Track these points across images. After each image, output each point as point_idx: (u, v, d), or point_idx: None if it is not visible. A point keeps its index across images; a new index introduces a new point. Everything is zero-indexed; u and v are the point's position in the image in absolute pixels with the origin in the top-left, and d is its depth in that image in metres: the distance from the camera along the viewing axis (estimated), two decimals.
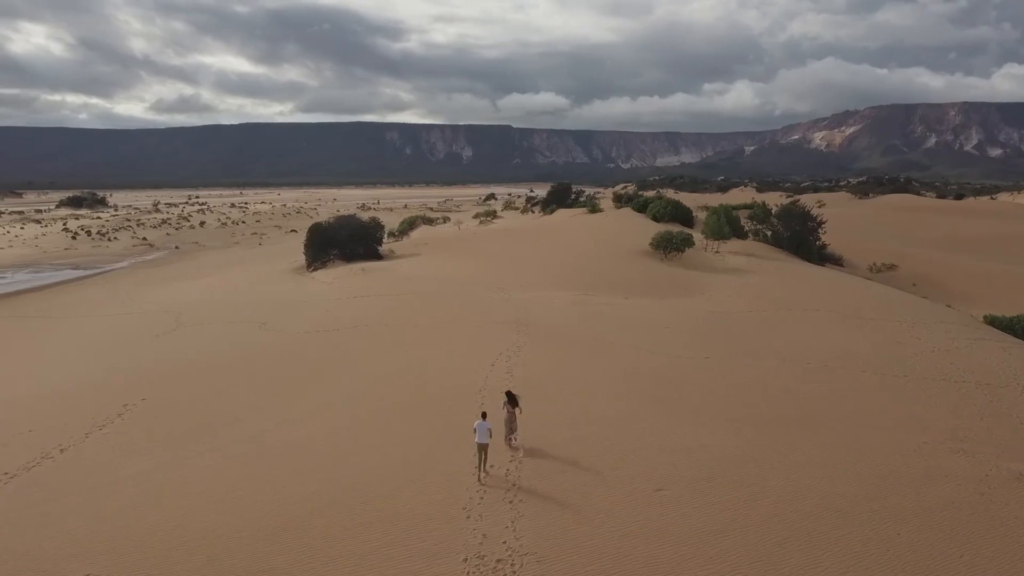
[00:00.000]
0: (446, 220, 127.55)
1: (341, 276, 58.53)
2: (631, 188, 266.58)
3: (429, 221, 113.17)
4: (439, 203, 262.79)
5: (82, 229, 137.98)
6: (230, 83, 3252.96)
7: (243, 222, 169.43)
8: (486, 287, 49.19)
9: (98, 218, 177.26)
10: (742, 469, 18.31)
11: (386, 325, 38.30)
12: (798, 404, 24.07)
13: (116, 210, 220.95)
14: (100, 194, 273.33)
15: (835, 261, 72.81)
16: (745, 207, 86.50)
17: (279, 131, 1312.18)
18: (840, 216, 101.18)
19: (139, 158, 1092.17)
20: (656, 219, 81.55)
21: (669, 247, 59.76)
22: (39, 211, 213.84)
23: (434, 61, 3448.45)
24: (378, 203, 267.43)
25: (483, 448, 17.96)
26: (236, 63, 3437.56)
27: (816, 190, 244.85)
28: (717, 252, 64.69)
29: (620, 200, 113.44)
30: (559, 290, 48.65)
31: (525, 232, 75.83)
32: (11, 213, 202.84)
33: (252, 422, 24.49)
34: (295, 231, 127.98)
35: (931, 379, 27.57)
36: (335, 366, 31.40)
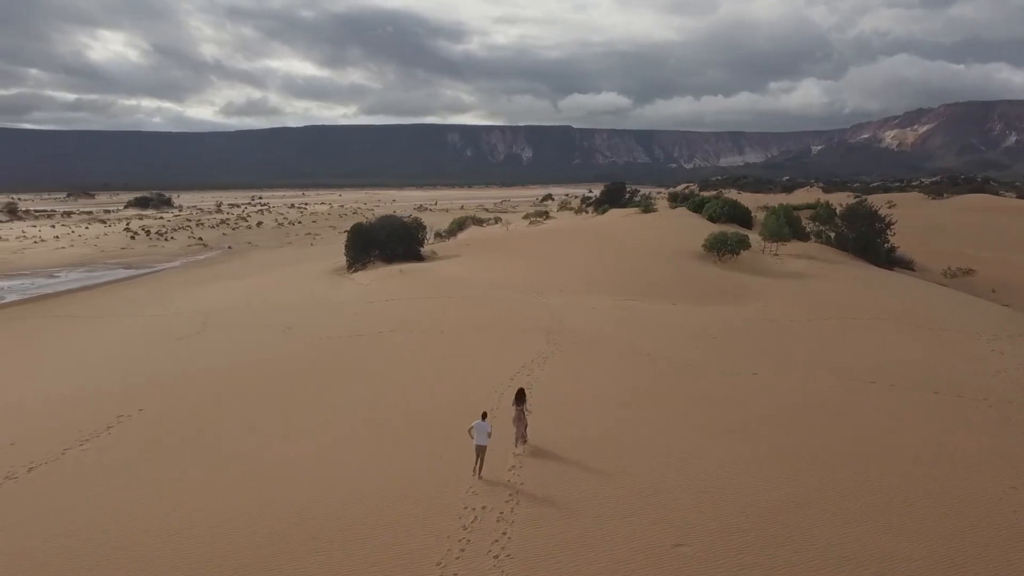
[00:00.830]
0: (497, 221, 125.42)
1: (379, 278, 56.65)
2: (693, 188, 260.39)
3: (479, 222, 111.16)
4: (495, 204, 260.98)
5: (143, 229, 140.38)
6: (296, 86, 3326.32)
7: (299, 222, 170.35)
8: (523, 290, 46.60)
9: (161, 218, 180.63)
10: (783, 519, 15.24)
11: (411, 331, 36.03)
12: (857, 433, 20.76)
13: (180, 211, 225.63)
14: (167, 195, 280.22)
15: (905, 265, 67.75)
16: (808, 207, 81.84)
17: (343, 133, 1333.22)
18: (912, 217, 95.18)
19: (209, 160, 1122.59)
20: (712, 219, 77.65)
21: (723, 249, 56.13)
22: (107, 211, 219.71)
23: (495, 62, 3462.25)
24: (436, 204, 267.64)
25: (481, 450, 17.46)
26: (302, 67, 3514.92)
27: (886, 190, 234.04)
28: (776, 255, 60.71)
29: (675, 199, 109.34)
30: (601, 295, 45.73)
31: (572, 233, 72.93)
32: (81, 213, 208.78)
33: (246, 438, 22.38)
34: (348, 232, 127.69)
35: (1018, 404, 23.83)
36: (350, 376, 29.20)
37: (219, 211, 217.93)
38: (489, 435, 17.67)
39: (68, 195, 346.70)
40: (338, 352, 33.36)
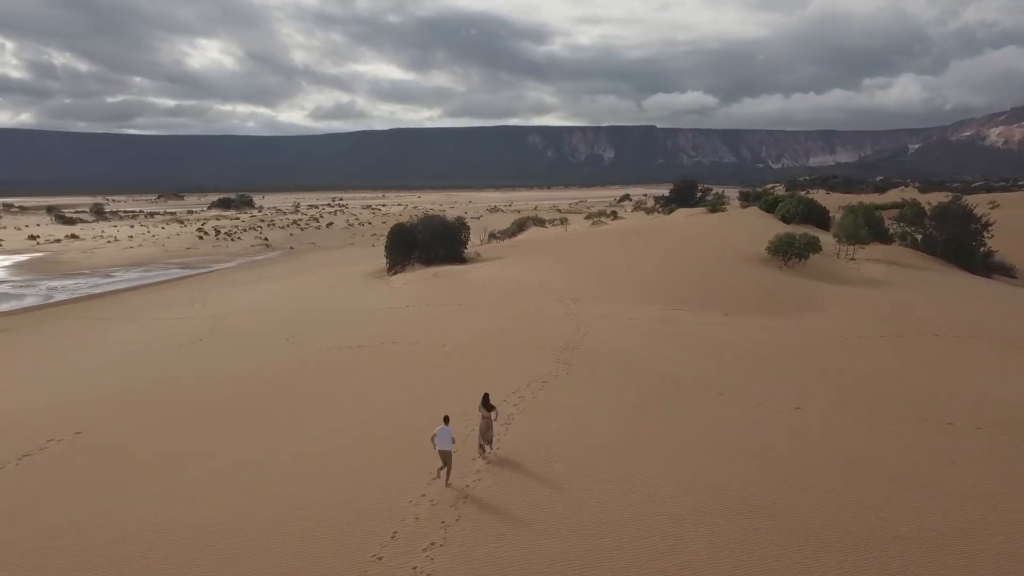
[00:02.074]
0: (563, 222, 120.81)
1: (411, 281, 53.18)
2: (778, 188, 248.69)
3: (541, 222, 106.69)
4: (570, 204, 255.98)
5: (215, 230, 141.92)
6: (382, 90, 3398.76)
7: (369, 223, 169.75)
8: (557, 297, 42.14)
9: (237, 219, 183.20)
10: None
11: (415, 343, 32.17)
12: (937, 509, 15.54)
13: (259, 211, 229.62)
14: (249, 196, 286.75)
15: (1006, 272, 59.74)
16: (893, 206, 74.17)
17: (427, 136, 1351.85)
18: (1016, 218, 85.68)
19: (298, 163, 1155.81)
20: (786, 220, 71.09)
21: (789, 252, 50.18)
22: (190, 212, 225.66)
23: (578, 63, 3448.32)
24: (510, 205, 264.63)
25: (447, 456, 16.61)
26: (388, 71, 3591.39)
27: (990, 190, 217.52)
28: (852, 259, 54.26)
29: (747, 199, 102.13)
30: (645, 303, 40.86)
31: (629, 234, 67.76)
32: (164, 214, 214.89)
33: (188, 467, 18.89)
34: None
35: None
36: (335, 394, 25.55)
37: (295, 212, 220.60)
38: (454, 440, 16.80)
39: (158, 197, 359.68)
40: (329, 366, 29.81)
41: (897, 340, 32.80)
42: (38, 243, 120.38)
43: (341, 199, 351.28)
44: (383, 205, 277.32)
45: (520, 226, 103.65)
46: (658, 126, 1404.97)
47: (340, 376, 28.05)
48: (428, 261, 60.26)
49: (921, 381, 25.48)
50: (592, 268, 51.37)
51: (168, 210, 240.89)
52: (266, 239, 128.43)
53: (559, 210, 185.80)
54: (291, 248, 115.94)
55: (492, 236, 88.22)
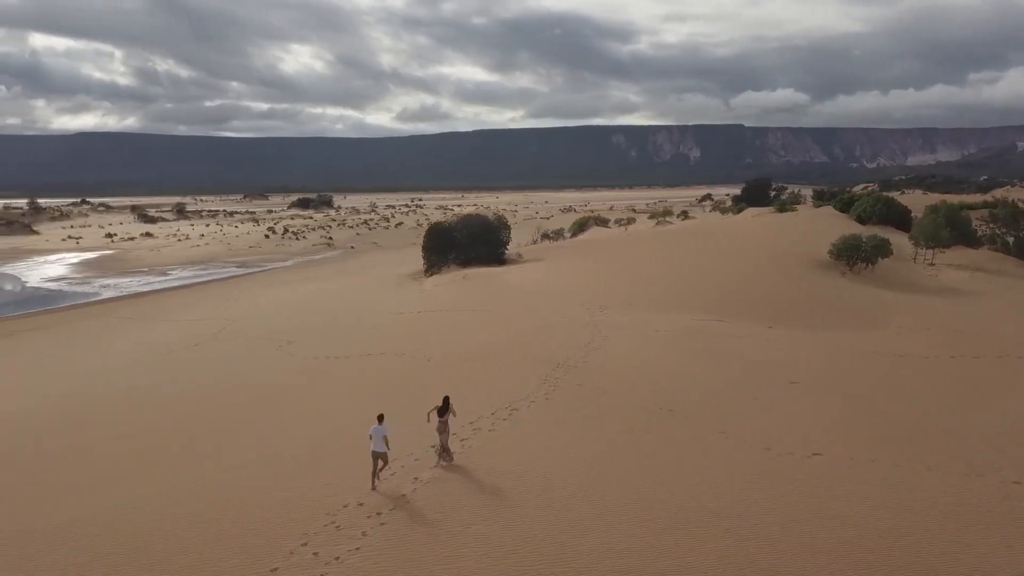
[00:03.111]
0: (629, 222, 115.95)
1: (442, 284, 50.18)
2: (872, 188, 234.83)
3: (603, 222, 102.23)
4: (648, 204, 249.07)
5: (285, 229, 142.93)
6: (467, 92, 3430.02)
7: None
8: (585, 303, 38.29)
9: (311, 218, 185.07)
10: None
11: (402, 355, 28.99)
12: None
13: (336, 211, 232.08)
14: (329, 196, 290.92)
15: None
16: (984, 206, 66.72)
17: (509, 136, 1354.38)
18: None
19: (383, 164, 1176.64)
20: (861, 220, 64.71)
21: (855, 256, 44.69)
22: (270, 212, 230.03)
23: (664, 61, 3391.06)
24: (586, 205, 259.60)
25: (377, 456, 15.89)
26: (473, 72, 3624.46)
27: None
28: (931, 264, 48.21)
29: (821, 197, 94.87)
30: (679, 311, 36.53)
31: (686, 235, 62.86)
32: (244, 213, 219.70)
33: (91, 498, 16.19)
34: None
35: None
36: (291, 411, 22.68)
37: (372, 212, 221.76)
38: (387, 441, 15.95)
39: (244, 196, 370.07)
40: (304, 378, 27.03)
41: (970, 363, 27.64)
42: (112, 241, 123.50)
43: (420, 200, 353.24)
44: (459, 205, 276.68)
45: (581, 226, 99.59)
46: (746, 125, 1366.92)
47: (307, 390, 25.19)
48: (465, 262, 57.10)
49: (989, 418, 20.59)
50: (633, 272, 47.16)
51: (249, 210, 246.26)
52: (330, 238, 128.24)
53: (634, 210, 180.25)
54: (352, 248, 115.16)
55: (545, 236, 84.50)
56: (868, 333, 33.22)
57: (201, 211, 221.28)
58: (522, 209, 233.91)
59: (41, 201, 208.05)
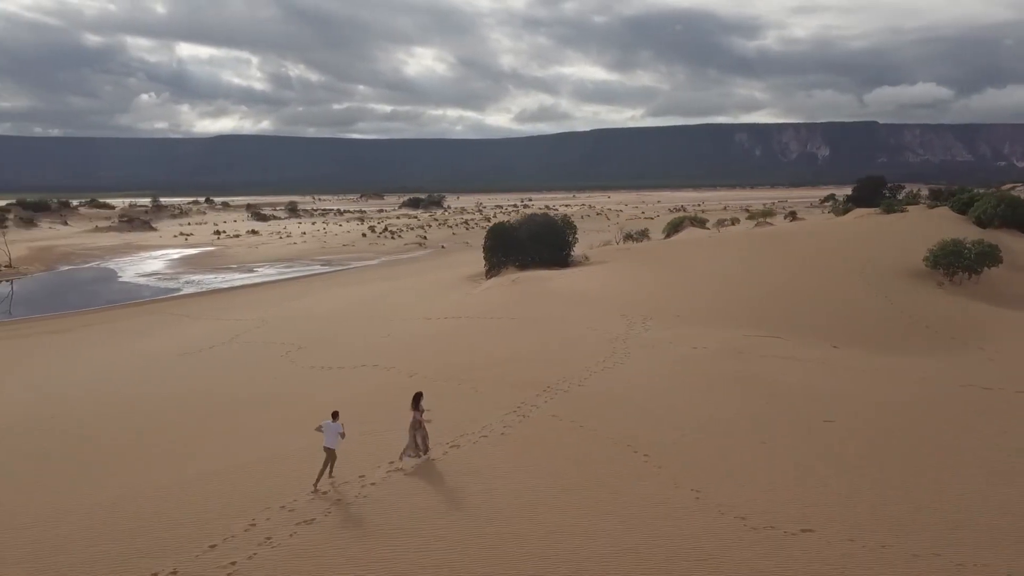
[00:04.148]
0: (734, 223, 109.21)
1: (491, 287, 47.18)
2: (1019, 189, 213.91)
3: (701, 223, 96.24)
4: (764, 204, 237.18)
5: (385, 228, 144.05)
6: (586, 91, 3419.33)
7: None
8: (624, 313, 34.38)
9: (414, 218, 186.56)
10: None
11: (391, 368, 26.17)
12: None
13: (444, 211, 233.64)
14: (440, 196, 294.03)
15: None
16: None
17: (628, 135, 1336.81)
18: None
19: (500, 165, 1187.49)
20: (981, 223, 56.75)
21: (955, 265, 38.29)
22: (380, 211, 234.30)
23: (792, 56, 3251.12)
24: (700, 205, 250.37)
25: (329, 454, 15.39)
26: (592, 72, 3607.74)
27: None
28: None
29: (938, 197, 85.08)
30: (730, 326, 31.93)
31: (772, 238, 56.89)
32: (355, 212, 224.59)
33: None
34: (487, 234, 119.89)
35: None
36: (258, 426, 20.28)
37: (474, 212, 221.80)
38: (342, 436, 15.67)
39: (360, 196, 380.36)
40: (293, 387, 25.19)
41: None
42: (218, 238, 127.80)
43: (529, 199, 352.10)
44: (567, 205, 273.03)
45: (675, 227, 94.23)
46: (880, 121, 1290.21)
47: (282, 402, 22.74)
48: (525, 264, 53.78)
49: None
50: (694, 279, 42.45)
51: (361, 209, 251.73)
52: (424, 238, 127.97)
53: (747, 210, 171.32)
54: (443, 247, 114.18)
55: (628, 237, 79.88)
56: (955, 358, 27.63)
57: (314, 210, 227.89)
58: (630, 209, 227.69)
59: (164, 200, 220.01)
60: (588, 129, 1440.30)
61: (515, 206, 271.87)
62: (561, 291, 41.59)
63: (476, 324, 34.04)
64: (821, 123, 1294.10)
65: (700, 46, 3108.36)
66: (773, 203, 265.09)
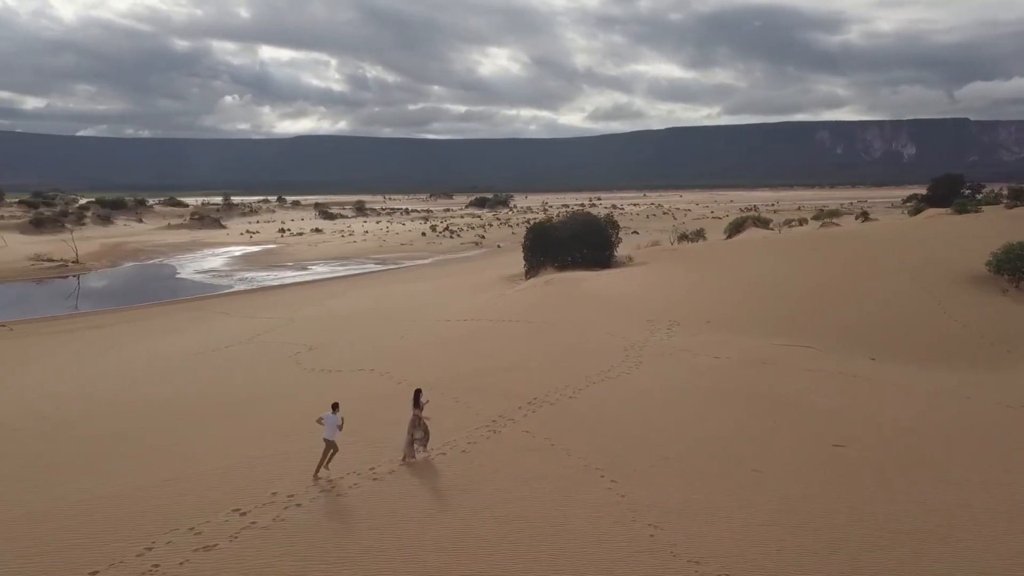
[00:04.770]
0: (802, 223, 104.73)
1: (524, 288, 45.66)
2: None
3: (764, 223, 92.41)
4: (841, 205, 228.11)
5: (446, 227, 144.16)
6: (661, 89, 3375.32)
7: None
8: (651, 318, 32.44)
9: (477, 217, 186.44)
10: None
11: (385, 373, 25.03)
12: None
13: (509, 210, 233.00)
14: (507, 196, 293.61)
15: None
16: None
17: (703, 134, 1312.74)
18: None
19: (573, 164, 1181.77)
20: None
21: (1022, 270, 34.82)
22: (447, 210, 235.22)
23: (877, 52, 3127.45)
24: (773, 205, 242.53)
25: (329, 445, 15.50)
26: (668, 70, 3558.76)
27: None
28: None
29: (1018, 197, 79.01)
30: (762, 334, 29.70)
31: (824, 239, 53.45)
32: (422, 211, 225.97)
33: None
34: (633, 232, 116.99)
35: None
36: (236, 433, 19.43)
37: (540, 211, 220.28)
38: (340, 428, 15.69)
39: (429, 196, 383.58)
40: (290, 389, 24.37)
41: None
42: (282, 236, 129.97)
43: (598, 199, 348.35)
44: (635, 204, 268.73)
45: (737, 227, 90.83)
46: (972, 119, 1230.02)
47: (274, 404, 21.85)
48: (564, 264, 52.05)
49: None
50: (738, 281, 40.02)
51: (428, 208, 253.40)
52: (482, 237, 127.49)
53: (822, 210, 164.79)
54: (499, 246, 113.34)
55: (683, 237, 77.06)
56: (1008, 374, 24.76)
57: (381, 209, 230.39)
58: (699, 208, 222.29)
59: (235, 199, 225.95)
60: (662, 128, 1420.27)
61: (582, 205, 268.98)
62: (592, 293, 39.79)
63: (491, 328, 32.62)
64: (907, 120, 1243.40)
65: (779, 42, 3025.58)
66: (851, 203, 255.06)
